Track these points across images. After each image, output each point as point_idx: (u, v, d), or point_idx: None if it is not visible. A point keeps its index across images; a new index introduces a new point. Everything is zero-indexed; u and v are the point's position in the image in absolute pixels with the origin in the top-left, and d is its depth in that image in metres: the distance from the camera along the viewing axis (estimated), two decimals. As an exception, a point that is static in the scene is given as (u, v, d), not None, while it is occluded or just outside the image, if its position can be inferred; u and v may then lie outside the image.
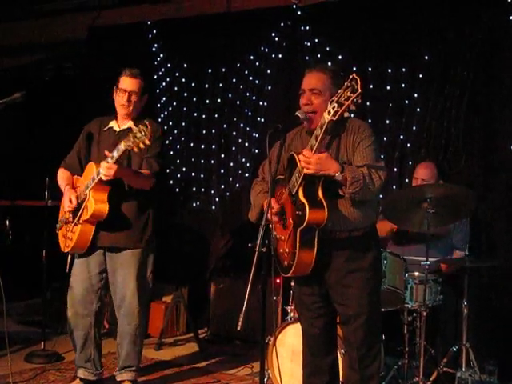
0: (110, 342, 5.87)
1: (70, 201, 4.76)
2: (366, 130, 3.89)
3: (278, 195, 3.92)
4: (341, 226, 3.81)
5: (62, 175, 4.99)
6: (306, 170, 3.64)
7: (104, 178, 4.52)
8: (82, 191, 4.73)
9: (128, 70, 4.85)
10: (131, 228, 4.78)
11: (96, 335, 4.94)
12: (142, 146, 4.34)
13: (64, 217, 4.88)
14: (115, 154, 4.46)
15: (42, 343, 5.85)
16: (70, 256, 4.93)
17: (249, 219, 4.16)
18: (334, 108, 3.57)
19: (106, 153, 4.52)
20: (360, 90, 3.46)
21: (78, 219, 4.71)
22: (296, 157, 3.76)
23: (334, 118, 3.58)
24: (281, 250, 3.88)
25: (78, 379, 4.95)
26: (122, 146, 4.40)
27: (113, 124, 4.91)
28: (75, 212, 4.76)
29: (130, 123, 4.86)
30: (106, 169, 4.48)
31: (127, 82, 4.82)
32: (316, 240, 3.71)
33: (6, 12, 7.91)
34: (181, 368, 5.78)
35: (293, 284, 4.13)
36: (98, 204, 4.63)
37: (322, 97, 3.84)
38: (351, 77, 3.51)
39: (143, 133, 4.30)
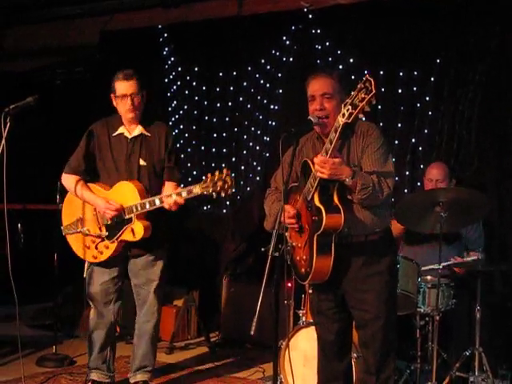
0: (121, 345, 5.88)
1: (113, 207, 4.69)
2: (374, 132, 3.88)
3: (292, 203, 3.90)
4: (357, 231, 3.80)
5: (72, 180, 4.90)
6: (319, 174, 3.62)
7: (168, 208, 4.55)
8: (124, 212, 4.69)
9: (120, 74, 4.78)
10: (156, 235, 4.79)
11: (113, 336, 5.01)
12: (223, 194, 4.30)
13: (82, 226, 4.87)
14: (185, 194, 4.45)
15: (54, 347, 5.86)
16: (87, 262, 4.94)
17: (260, 222, 4.15)
18: (348, 110, 3.53)
19: (178, 190, 4.54)
20: (374, 91, 3.43)
21: (117, 238, 4.73)
22: (310, 162, 3.75)
23: (349, 121, 3.55)
24: (297, 258, 3.86)
25: (90, 382, 4.95)
26: (197, 191, 4.37)
27: (122, 130, 4.87)
28: (110, 229, 4.75)
29: (139, 128, 4.84)
30: (172, 205, 4.50)
31: (124, 86, 4.75)
32: (333, 246, 3.69)
33: (18, 17, 7.95)
34: (192, 372, 5.78)
35: (310, 291, 4.12)
36: (145, 226, 4.66)
37: (334, 100, 3.83)
38: (364, 78, 3.48)
39: (226, 183, 4.25)
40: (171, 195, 4.51)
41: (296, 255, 3.88)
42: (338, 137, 3.61)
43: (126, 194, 4.72)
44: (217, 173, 4.30)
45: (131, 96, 4.74)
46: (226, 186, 4.26)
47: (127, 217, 4.68)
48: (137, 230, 4.67)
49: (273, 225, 3.90)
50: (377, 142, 3.84)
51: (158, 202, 4.56)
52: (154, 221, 4.75)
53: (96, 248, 4.81)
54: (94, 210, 4.85)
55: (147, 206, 4.60)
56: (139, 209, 4.63)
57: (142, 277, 4.89)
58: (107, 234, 4.76)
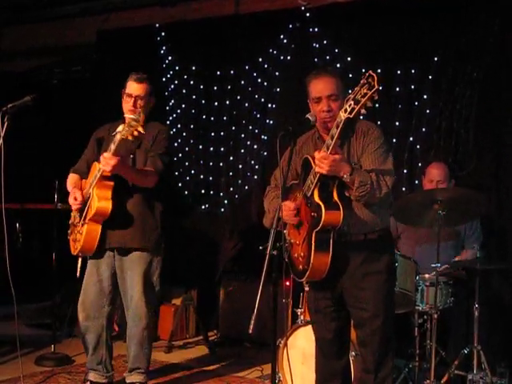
0: (120, 344, 5.88)
1: (75, 198, 4.79)
2: (374, 131, 3.88)
3: (292, 200, 3.89)
4: (356, 229, 3.80)
5: (71, 179, 5.02)
6: (318, 170, 3.62)
7: (103, 169, 4.55)
8: (87, 190, 4.76)
9: (134, 75, 4.85)
10: (138, 228, 4.79)
11: (107, 338, 4.96)
12: (135, 133, 4.36)
13: (73, 220, 4.90)
14: (112, 146, 4.51)
15: (52, 346, 5.87)
16: (80, 260, 4.94)
17: (258, 221, 4.16)
18: (350, 106, 3.53)
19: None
20: (377, 86, 3.42)
21: (84, 219, 4.73)
22: (310, 159, 3.75)
23: (351, 116, 3.54)
24: (295, 255, 3.86)
25: (88, 382, 4.95)
26: (117, 137, 4.45)
27: (121, 128, 4.90)
28: (82, 212, 4.78)
29: None
30: (104, 159, 4.52)
31: (133, 87, 4.82)
32: (331, 243, 3.69)
33: (15, 16, 7.94)
34: (191, 371, 5.78)
35: (307, 289, 4.12)
36: (101, 201, 4.63)
37: (340, 100, 3.80)
38: (367, 74, 3.47)
39: (136, 121, 4.35)
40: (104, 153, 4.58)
41: (294, 252, 3.88)
42: (340, 132, 3.61)
43: (93, 173, 4.78)
44: (134, 115, 4.42)
45: (135, 98, 4.80)
46: (137, 122, 4.35)
47: (89, 192, 4.72)
48: (92, 204, 4.67)
49: (271, 221, 3.89)
50: (377, 141, 3.84)
51: (100, 166, 4.59)
52: (142, 216, 4.78)
53: (76, 238, 4.82)
54: None
55: (96, 173, 4.64)
56: (94, 179, 4.67)
57: (127, 278, 4.85)
58: (78, 216, 4.81)
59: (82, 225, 4.75)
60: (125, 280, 4.86)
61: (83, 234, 4.73)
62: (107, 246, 4.81)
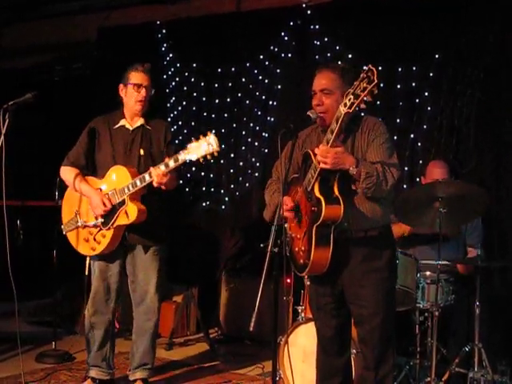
0: (120, 342, 5.89)
1: (104, 204, 4.69)
2: (380, 127, 3.88)
3: (292, 194, 3.89)
4: (357, 226, 3.79)
5: (71, 172, 4.90)
6: (322, 165, 3.61)
7: (156, 185, 4.52)
8: (115, 195, 4.69)
9: (140, 65, 4.83)
10: (154, 226, 4.79)
11: (113, 333, 5.00)
12: (208, 157, 4.32)
13: (79, 219, 4.86)
14: (172, 163, 4.44)
15: (53, 343, 5.87)
16: (88, 258, 4.93)
17: (259, 218, 4.15)
18: (349, 100, 3.53)
19: (165, 160, 4.48)
20: (376, 81, 3.42)
21: (112, 224, 4.70)
22: (311, 153, 3.74)
23: (350, 110, 3.54)
24: (296, 249, 3.86)
25: (89, 379, 4.96)
26: (183, 157, 4.37)
27: (124, 122, 4.89)
28: (105, 216, 4.73)
29: (141, 120, 4.87)
30: (160, 176, 4.47)
31: (141, 77, 4.80)
32: (332, 237, 3.68)
33: (15, 14, 7.94)
34: (191, 368, 5.79)
35: (308, 283, 4.12)
36: (139, 208, 4.64)
37: (333, 96, 3.81)
38: (367, 68, 3.47)
39: (211, 145, 4.27)
40: (158, 166, 4.49)
41: (295, 246, 3.87)
42: (340, 126, 3.60)
43: (118, 177, 4.72)
44: (201, 136, 4.31)
45: (146, 88, 4.79)
46: (212, 149, 4.28)
47: (120, 199, 4.67)
48: (130, 212, 4.65)
49: (272, 215, 3.90)
50: (382, 136, 3.84)
51: (147, 177, 4.54)
52: (154, 216, 4.75)
53: (94, 239, 4.79)
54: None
55: (138, 183, 4.58)
56: (131, 188, 4.61)
57: (141, 274, 4.88)
58: (103, 220, 4.74)
59: (108, 229, 4.73)
60: (137, 276, 4.89)
61: (108, 238, 4.74)
62: (126, 244, 4.82)
